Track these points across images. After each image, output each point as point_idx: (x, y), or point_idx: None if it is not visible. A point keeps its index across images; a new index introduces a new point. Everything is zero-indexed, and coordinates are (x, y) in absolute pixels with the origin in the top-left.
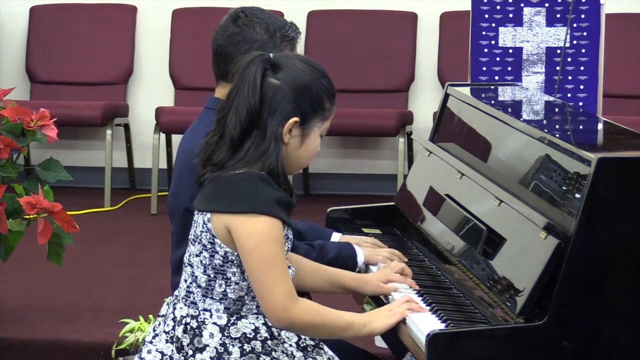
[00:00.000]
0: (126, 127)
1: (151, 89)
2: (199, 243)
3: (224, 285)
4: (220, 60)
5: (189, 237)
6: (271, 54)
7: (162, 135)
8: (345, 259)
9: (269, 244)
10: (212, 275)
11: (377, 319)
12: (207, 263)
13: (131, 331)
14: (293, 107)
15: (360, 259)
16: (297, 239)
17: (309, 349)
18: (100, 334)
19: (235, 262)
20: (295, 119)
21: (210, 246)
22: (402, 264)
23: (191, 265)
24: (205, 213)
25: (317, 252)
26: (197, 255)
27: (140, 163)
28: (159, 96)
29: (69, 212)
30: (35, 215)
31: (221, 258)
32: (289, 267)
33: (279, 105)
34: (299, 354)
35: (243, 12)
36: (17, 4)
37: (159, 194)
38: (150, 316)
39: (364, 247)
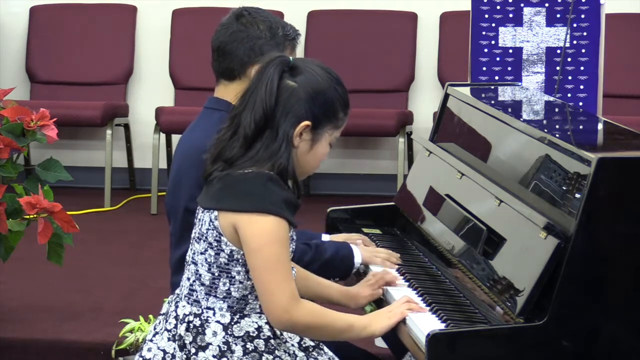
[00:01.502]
0: (126, 127)
1: (151, 89)
2: (204, 241)
3: (228, 284)
4: (222, 58)
5: (193, 235)
6: (290, 57)
7: (162, 135)
8: (343, 259)
9: (275, 245)
10: (216, 274)
11: (377, 321)
12: (212, 261)
13: (131, 331)
14: (306, 110)
15: (358, 260)
16: None
17: (310, 349)
18: (100, 334)
19: (240, 260)
20: (307, 122)
21: (216, 244)
22: (387, 275)
23: (195, 263)
24: (212, 211)
25: (314, 252)
26: (201, 253)
27: (140, 163)
28: (159, 96)
29: (69, 212)
30: (35, 215)
31: (227, 256)
32: (292, 268)
33: (293, 107)
34: (300, 354)
35: (246, 11)
36: (17, 4)
37: (159, 194)
38: (150, 316)
39: (365, 248)
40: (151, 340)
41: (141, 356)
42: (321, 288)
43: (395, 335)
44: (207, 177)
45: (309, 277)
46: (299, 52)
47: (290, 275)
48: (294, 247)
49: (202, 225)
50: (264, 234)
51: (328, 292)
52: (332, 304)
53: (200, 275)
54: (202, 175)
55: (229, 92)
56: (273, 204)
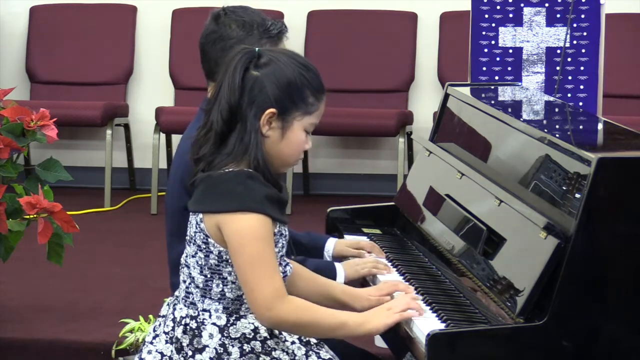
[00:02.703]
0: (126, 127)
1: (151, 89)
2: (193, 244)
3: (221, 285)
4: (203, 59)
5: (186, 238)
6: (256, 48)
7: (162, 135)
8: None
9: (256, 242)
10: (208, 276)
11: (375, 319)
12: (203, 263)
13: (131, 331)
14: (270, 98)
15: (340, 280)
16: (296, 247)
17: (311, 344)
18: (100, 334)
19: (230, 261)
20: (272, 110)
21: (204, 246)
22: (400, 284)
23: (188, 267)
24: (197, 214)
25: None
26: (192, 256)
27: (140, 163)
28: (159, 96)
29: (69, 212)
30: (35, 215)
31: (216, 258)
32: (287, 264)
33: (257, 96)
34: (300, 352)
35: (224, 11)
36: (17, 4)
37: (159, 194)
38: (150, 316)
39: (348, 263)
40: (151, 343)
41: (141, 358)
42: (324, 288)
43: (395, 335)
44: (192, 181)
45: (312, 278)
46: (300, 52)
47: (275, 272)
48: (284, 242)
49: (190, 228)
50: (246, 231)
51: (333, 292)
52: (338, 303)
53: (193, 277)
54: (191, 177)
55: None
56: (254, 201)
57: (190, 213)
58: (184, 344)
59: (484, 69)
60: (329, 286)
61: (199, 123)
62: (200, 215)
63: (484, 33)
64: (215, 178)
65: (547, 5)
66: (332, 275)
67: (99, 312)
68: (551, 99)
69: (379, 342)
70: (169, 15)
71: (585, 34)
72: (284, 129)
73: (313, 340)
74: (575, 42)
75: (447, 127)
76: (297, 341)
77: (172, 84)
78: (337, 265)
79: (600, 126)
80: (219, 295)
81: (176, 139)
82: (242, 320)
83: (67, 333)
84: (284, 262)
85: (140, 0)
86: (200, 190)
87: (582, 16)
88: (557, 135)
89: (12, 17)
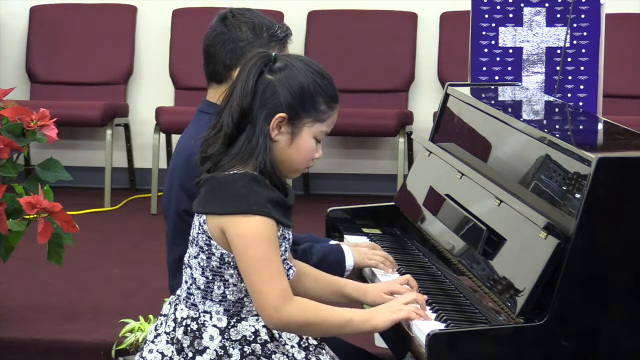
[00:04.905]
0: (126, 127)
1: (151, 89)
2: (196, 245)
3: (222, 287)
4: (208, 61)
5: (189, 238)
6: (273, 53)
7: (162, 135)
8: (332, 264)
9: (261, 244)
10: (210, 277)
11: (380, 314)
12: (205, 265)
13: (131, 331)
14: (282, 103)
15: (350, 263)
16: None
17: (310, 349)
18: (100, 334)
19: (231, 263)
20: (282, 114)
21: (206, 248)
22: (410, 290)
23: (190, 267)
24: (200, 215)
25: (300, 257)
26: (195, 257)
27: (140, 163)
28: (159, 96)
29: (69, 212)
30: (35, 215)
31: (218, 260)
32: (290, 267)
33: (268, 100)
34: (299, 356)
35: (231, 12)
36: (17, 4)
37: (159, 194)
38: (151, 316)
39: (358, 249)
40: (152, 342)
41: (142, 357)
42: (335, 285)
43: (395, 334)
44: (197, 181)
45: (320, 277)
46: (300, 51)
47: (280, 274)
48: (287, 246)
49: (193, 229)
50: (250, 234)
51: (344, 289)
52: (349, 300)
53: (195, 279)
54: (190, 178)
55: (218, 94)
56: (257, 204)
57: (195, 214)
58: (185, 345)
59: (484, 69)
60: (340, 283)
61: (197, 125)
62: (204, 217)
63: (484, 33)
64: (219, 179)
65: (547, 5)
66: (340, 257)
67: (98, 312)
68: (551, 99)
69: (379, 342)
70: (169, 15)
71: (585, 34)
72: (293, 135)
73: (312, 344)
74: (575, 42)
75: (447, 127)
76: (296, 345)
77: (172, 84)
78: (345, 247)
79: (600, 126)
80: (220, 297)
81: (176, 139)
82: (243, 322)
83: (67, 333)
84: (287, 265)
85: (140, 0)
86: (204, 192)
87: (582, 16)
88: (557, 135)
89: (12, 17)
